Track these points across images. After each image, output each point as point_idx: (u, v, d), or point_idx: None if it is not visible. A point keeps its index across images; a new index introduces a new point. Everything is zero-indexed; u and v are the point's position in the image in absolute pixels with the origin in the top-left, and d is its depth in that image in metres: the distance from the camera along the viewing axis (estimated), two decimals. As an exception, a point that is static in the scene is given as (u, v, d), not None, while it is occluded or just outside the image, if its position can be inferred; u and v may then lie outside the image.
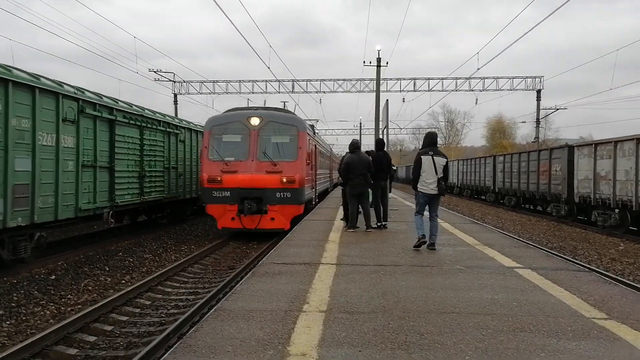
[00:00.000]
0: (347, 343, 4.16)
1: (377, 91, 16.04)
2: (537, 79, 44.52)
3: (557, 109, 47.82)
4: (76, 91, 12.37)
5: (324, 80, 44.86)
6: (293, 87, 44.87)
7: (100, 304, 8.16)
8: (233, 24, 17.98)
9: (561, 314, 4.94)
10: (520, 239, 14.02)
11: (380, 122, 17.58)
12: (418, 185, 9.06)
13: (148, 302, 8.97)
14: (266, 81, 44.54)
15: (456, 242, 9.96)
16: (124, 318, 7.96)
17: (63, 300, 8.86)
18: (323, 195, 26.05)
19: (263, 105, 16.94)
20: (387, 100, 14.41)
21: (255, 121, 15.09)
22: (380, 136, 15.71)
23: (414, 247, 9.06)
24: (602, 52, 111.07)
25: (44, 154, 10.94)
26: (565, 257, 11.88)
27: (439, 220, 9.46)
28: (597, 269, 10.15)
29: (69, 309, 8.33)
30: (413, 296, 5.61)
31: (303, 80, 45.01)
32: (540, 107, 45.96)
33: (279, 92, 44.36)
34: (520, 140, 79.82)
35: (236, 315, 4.88)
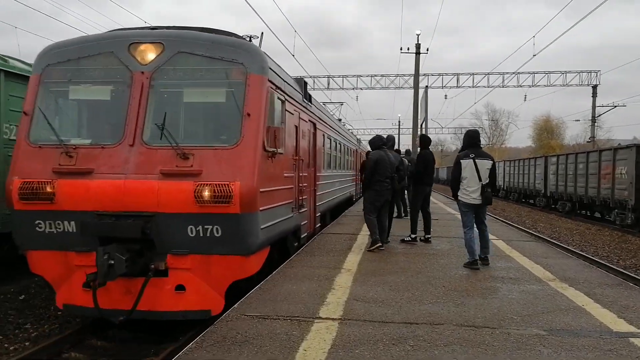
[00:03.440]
0: None
1: (416, 77, 13.48)
2: (592, 74, 40.87)
3: (615, 106, 43.88)
4: None
5: (361, 76, 42.39)
6: (329, 84, 42.69)
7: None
8: (265, 23, 16.57)
9: None
10: (609, 264, 11.13)
11: (420, 117, 15.08)
12: (459, 194, 7.92)
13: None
14: (300, 77, 42.45)
15: (520, 275, 7.17)
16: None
17: (15, 332, 7.11)
18: (343, 207, 18.33)
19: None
20: (427, 86, 11.82)
21: (147, 53, 6.68)
22: (420, 131, 13.14)
23: (464, 265, 7.86)
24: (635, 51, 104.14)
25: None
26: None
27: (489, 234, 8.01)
28: None
29: (11, 348, 6.56)
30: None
31: (339, 77, 42.87)
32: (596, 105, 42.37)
33: (313, 89, 42.23)
34: (569, 141, 75.89)
35: None
